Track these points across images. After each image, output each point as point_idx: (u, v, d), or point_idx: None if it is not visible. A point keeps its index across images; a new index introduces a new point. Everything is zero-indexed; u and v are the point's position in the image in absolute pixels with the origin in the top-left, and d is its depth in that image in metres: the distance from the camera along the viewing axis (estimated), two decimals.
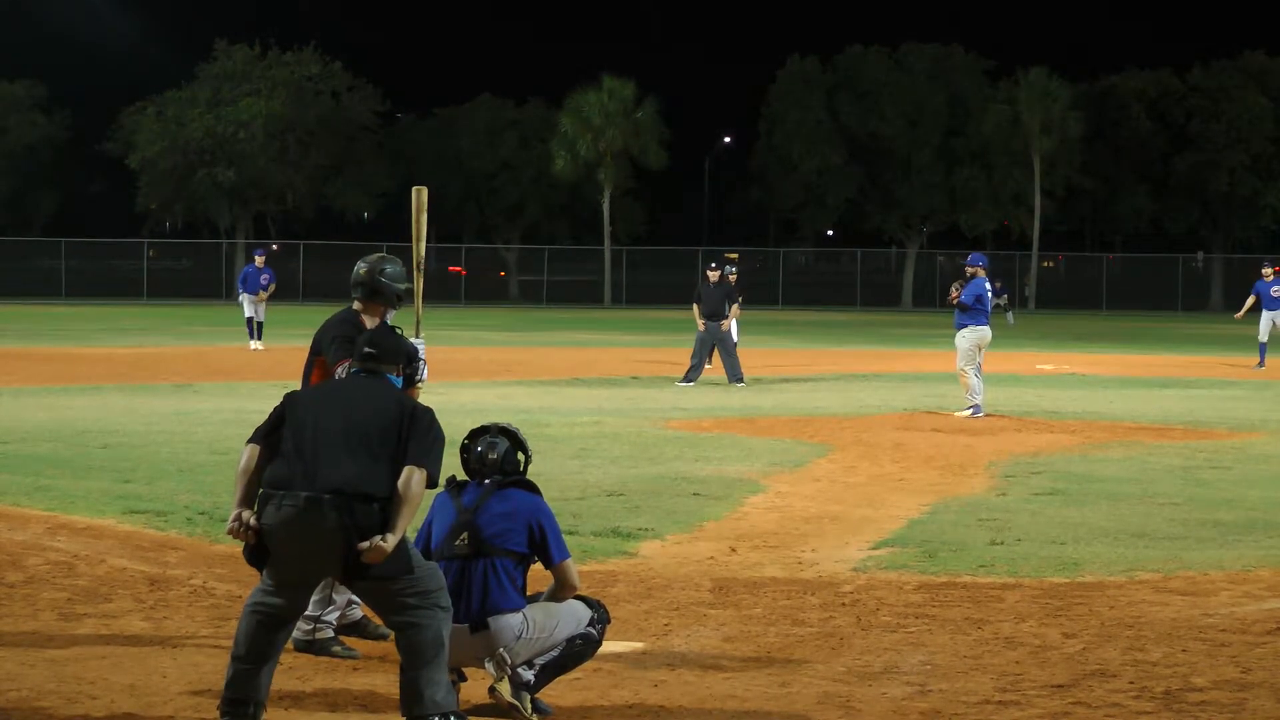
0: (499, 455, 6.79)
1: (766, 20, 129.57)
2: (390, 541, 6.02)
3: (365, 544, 6.00)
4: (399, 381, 6.61)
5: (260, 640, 6.19)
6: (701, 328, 24.55)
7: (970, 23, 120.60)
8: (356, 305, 7.63)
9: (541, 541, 6.67)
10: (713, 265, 25.42)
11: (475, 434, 6.88)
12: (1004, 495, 12.94)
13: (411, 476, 6.09)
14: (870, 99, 78.38)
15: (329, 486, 6.02)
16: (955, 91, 78.33)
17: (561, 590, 6.73)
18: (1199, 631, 8.12)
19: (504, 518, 6.65)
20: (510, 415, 18.91)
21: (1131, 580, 9.49)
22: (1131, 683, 7.15)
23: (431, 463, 6.16)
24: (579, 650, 6.69)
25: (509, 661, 6.53)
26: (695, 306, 24.83)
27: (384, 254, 7.81)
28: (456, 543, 6.62)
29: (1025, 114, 75.17)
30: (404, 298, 7.72)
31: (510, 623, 6.55)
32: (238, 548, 10.33)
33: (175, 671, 7.22)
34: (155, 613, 8.41)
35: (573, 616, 6.71)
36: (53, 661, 7.31)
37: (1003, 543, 10.66)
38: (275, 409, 6.36)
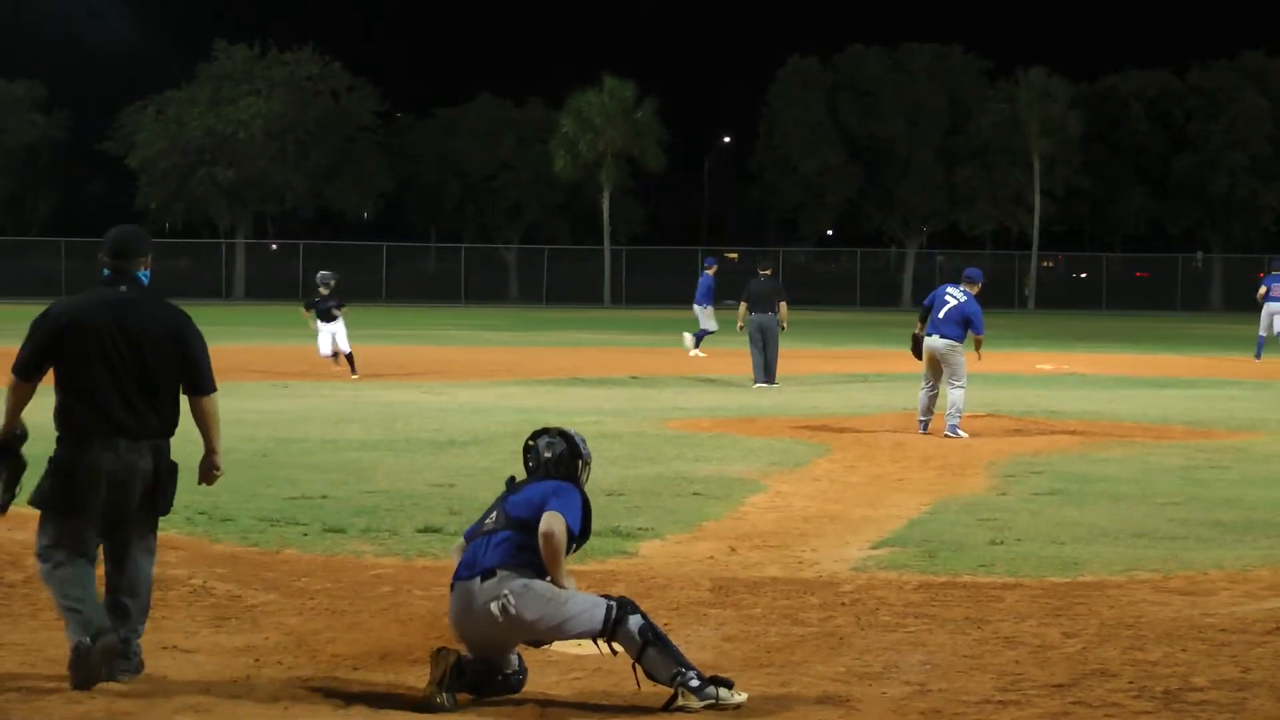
0: (555, 454, 7.07)
1: (766, 20, 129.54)
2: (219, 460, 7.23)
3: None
4: (146, 277, 7.02)
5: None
6: (743, 325, 24.28)
7: (970, 23, 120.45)
8: None
9: (542, 502, 6.80)
10: (763, 264, 25.05)
11: (538, 434, 7.19)
12: (1004, 495, 12.94)
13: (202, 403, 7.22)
14: (870, 99, 78.38)
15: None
16: (955, 91, 78.30)
17: (540, 538, 6.71)
18: (1199, 631, 8.12)
19: (529, 503, 6.85)
20: (509, 415, 18.87)
21: (1131, 580, 9.49)
22: (1131, 682, 7.15)
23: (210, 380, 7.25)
24: (655, 634, 6.75)
25: (513, 605, 6.65)
26: (743, 305, 24.19)
27: None
28: (487, 522, 6.91)
29: (1025, 114, 75.15)
30: None
31: (519, 574, 6.71)
32: (239, 547, 10.36)
33: (175, 671, 7.22)
34: (155, 612, 8.36)
35: (587, 598, 6.82)
36: (53, 661, 7.30)
37: (1003, 542, 10.66)
38: None
